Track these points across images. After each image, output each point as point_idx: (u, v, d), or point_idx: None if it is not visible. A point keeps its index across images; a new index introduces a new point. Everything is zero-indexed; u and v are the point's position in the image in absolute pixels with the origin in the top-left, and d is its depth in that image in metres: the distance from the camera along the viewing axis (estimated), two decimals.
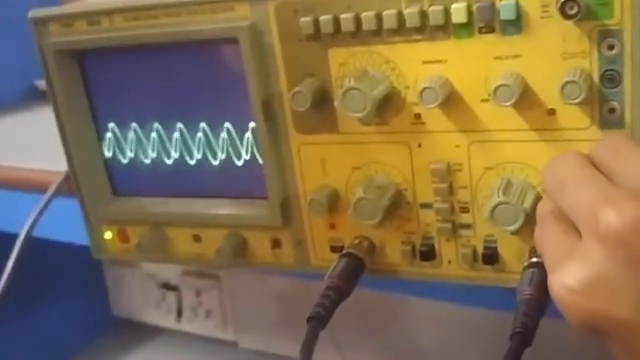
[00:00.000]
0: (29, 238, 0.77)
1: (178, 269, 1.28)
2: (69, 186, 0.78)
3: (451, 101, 0.47)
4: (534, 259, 0.47)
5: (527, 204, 0.46)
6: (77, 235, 0.82)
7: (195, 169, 0.57)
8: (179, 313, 1.32)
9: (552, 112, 0.45)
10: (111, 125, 0.59)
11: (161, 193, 0.60)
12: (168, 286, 1.32)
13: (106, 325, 1.38)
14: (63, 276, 1.25)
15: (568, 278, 0.35)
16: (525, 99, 0.45)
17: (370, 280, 0.53)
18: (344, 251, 0.52)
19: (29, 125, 0.99)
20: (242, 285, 1.22)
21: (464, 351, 0.95)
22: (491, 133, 0.47)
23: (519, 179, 0.47)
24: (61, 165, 0.75)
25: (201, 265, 0.60)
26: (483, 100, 0.46)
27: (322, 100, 0.50)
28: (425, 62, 0.47)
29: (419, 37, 0.47)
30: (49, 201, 0.77)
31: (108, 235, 0.62)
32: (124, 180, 0.61)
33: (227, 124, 0.55)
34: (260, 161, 0.54)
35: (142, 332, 1.37)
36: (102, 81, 0.58)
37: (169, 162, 0.58)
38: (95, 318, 1.36)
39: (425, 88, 0.45)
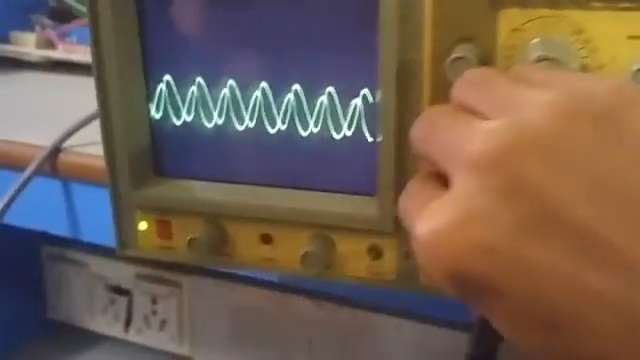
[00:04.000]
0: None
1: (132, 271, 1.13)
2: (52, 164, 0.65)
3: None
4: None
5: None
6: (52, 223, 0.69)
7: (274, 147, 0.45)
8: (128, 321, 1.17)
9: None
10: (167, 77, 0.45)
11: (223, 177, 0.46)
12: (118, 290, 1.16)
13: (38, 329, 1.21)
14: None
15: (435, 220, 0.30)
16: None
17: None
18: None
19: None
20: (205, 295, 1.09)
21: None
22: None
23: None
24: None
25: (272, 273, 0.47)
26: None
27: None
28: (631, 37, 0.37)
29: (629, 4, 0.37)
30: (27, 181, 0.64)
31: (143, 226, 0.47)
32: (174, 156, 0.47)
33: (330, 88, 0.43)
34: (366, 144, 0.42)
35: (80, 339, 1.20)
36: (164, 19, 0.44)
37: (239, 134, 0.45)
38: (26, 320, 1.19)
39: None
